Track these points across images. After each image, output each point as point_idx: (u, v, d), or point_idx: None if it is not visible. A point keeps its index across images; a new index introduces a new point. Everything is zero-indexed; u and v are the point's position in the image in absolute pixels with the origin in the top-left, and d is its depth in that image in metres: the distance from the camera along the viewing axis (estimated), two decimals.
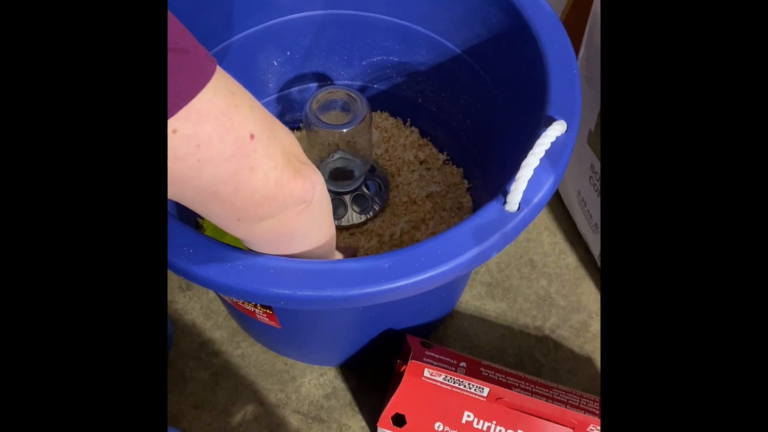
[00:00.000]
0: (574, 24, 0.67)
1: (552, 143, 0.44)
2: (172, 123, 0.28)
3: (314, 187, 0.38)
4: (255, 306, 0.53)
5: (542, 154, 0.43)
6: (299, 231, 0.41)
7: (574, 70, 0.49)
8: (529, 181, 0.42)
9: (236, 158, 0.32)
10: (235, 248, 0.42)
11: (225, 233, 0.41)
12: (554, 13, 0.53)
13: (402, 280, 0.40)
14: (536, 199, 0.43)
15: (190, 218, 0.66)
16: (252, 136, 0.32)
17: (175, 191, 0.33)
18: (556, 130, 0.44)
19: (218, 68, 0.31)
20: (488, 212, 0.43)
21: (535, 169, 0.42)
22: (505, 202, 0.43)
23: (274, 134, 0.35)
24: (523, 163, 0.42)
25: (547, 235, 0.78)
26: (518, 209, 0.43)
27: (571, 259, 0.76)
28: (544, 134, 0.43)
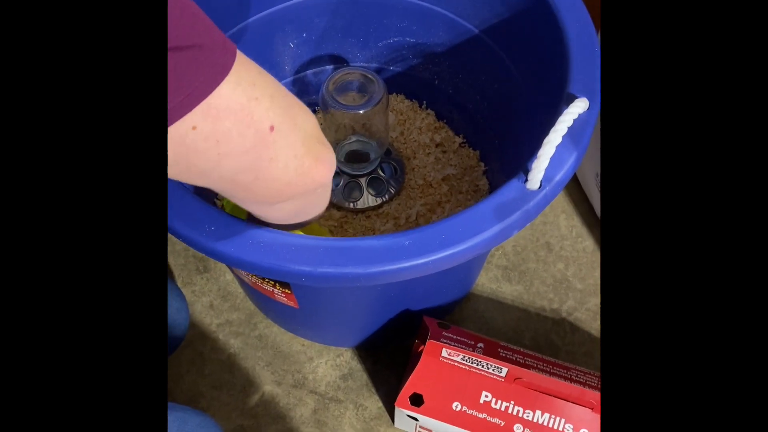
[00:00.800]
0: (592, 1, 0.66)
1: (574, 120, 0.43)
2: (191, 119, 0.29)
3: (331, 169, 0.38)
4: (274, 285, 0.53)
5: (564, 131, 0.42)
6: (313, 206, 0.43)
7: (595, 48, 0.49)
8: (551, 159, 0.42)
9: (256, 150, 0.33)
10: (256, 226, 0.42)
11: (243, 209, 0.42)
12: None
13: (423, 258, 0.40)
14: (558, 177, 0.43)
15: (209, 197, 0.66)
16: (272, 128, 0.32)
17: (197, 180, 0.34)
18: (578, 107, 0.44)
19: (239, 58, 0.30)
20: (509, 190, 0.43)
21: (557, 147, 0.42)
22: (526, 180, 0.43)
23: (295, 121, 0.35)
24: (545, 140, 0.42)
25: (564, 218, 0.77)
26: (540, 187, 0.43)
27: (588, 242, 0.76)
28: (566, 111, 0.43)
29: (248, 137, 0.32)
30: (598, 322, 0.70)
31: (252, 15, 0.65)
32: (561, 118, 0.42)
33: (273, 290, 0.54)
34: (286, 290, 0.53)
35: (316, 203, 0.43)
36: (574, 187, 0.79)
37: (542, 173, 0.42)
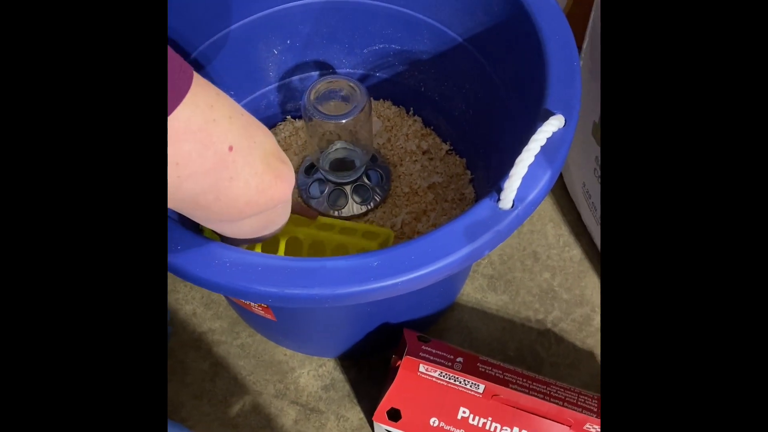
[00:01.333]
0: (578, 15, 0.66)
1: (548, 139, 0.43)
2: None
3: (290, 186, 0.39)
4: (256, 303, 0.52)
5: (537, 150, 0.41)
6: (274, 222, 0.44)
7: (574, 62, 0.48)
8: (524, 178, 0.41)
9: (216, 171, 0.33)
10: (223, 245, 0.42)
11: None
12: (556, 2, 0.51)
13: (391, 279, 0.40)
14: (531, 197, 0.42)
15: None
16: (231, 148, 0.33)
17: None
18: (552, 125, 0.43)
19: (195, 80, 0.31)
20: (481, 209, 0.42)
21: (529, 166, 0.41)
22: (498, 199, 0.42)
23: (254, 140, 0.35)
24: (517, 160, 0.41)
25: (551, 227, 0.77)
26: (512, 207, 0.42)
27: (575, 252, 0.75)
28: (539, 129, 0.42)
29: (208, 158, 0.32)
30: (584, 333, 0.70)
31: (234, 22, 0.65)
32: (534, 137, 0.42)
33: (250, 303, 0.54)
34: (262, 304, 0.53)
35: (277, 219, 0.44)
36: (563, 196, 0.78)
37: (514, 193, 0.41)
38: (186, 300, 0.72)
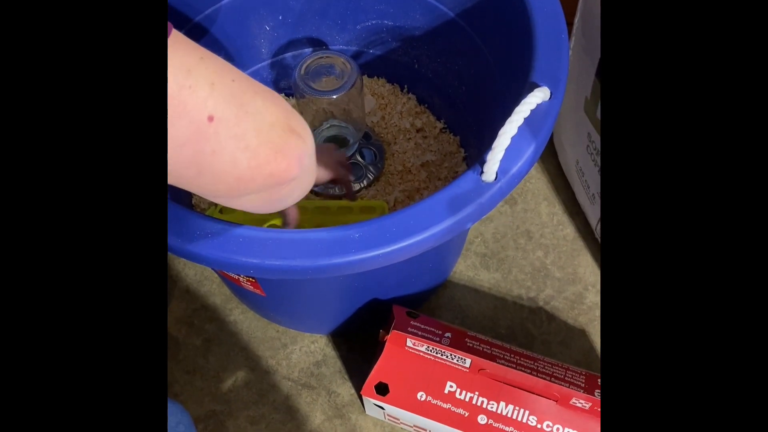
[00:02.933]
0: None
1: (533, 111, 0.42)
2: None
3: (300, 162, 0.35)
4: (237, 274, 0.52)
5: (521, 122, 0.41)
6: (286, 198, 0.40)
7: (562, 35, 0.48)
8: (508, 150, 0.41)
9: (192, 143, 0.31)
10: (207, 217, 0.42)
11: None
12: None
13: (372, 251, 0.40)
14: (514, 169, 0.42)
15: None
16: (211, 118, 0.30)
17: None
18: (536, 97, 0.42)
19: (175, 42, 0.29)
20: (464, 182, 0.42)
21: (513, 138, 0.41)
22: (482, 172, 0.42)
23: (246, 110, 0.32)
24: (501, 131, 0.41)
25: (545, 205, 0.76)
26: (495, 179, 0.42)
27: (569, 230, 0.74)
28: (523, 101, 0.42)
29: (181, 128, 0.30)
30: (576, 311, 0.70)
31: None
32: (517, 109, 0.41)
33: (239, 278, 0.54)
34: (251, 279, 0.53)
35: (290, 195, 0.40)
36: (557, 174, 0.78)
37: (497, 165, 0.41)
38: (179, 277, 0.73)
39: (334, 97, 0.63)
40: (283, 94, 0.77)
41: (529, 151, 0.43)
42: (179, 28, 0.65)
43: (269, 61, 0.73)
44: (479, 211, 0.41)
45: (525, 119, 0.42)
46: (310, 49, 0.74)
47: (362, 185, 0.71)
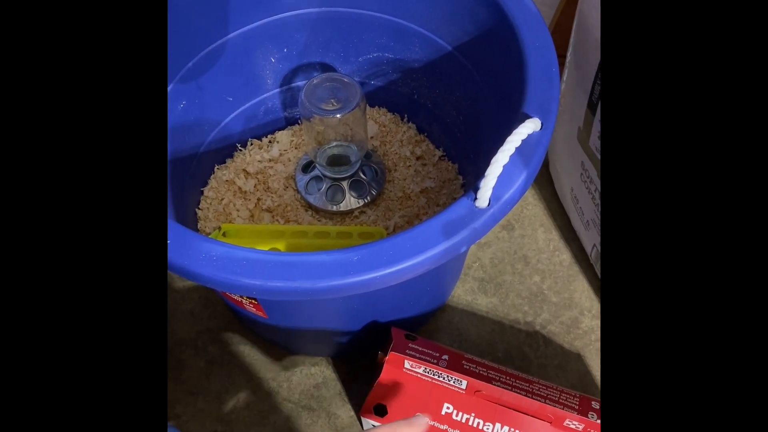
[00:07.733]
0: (565, 25, 0.67)
1: (524, 140, 0.44)
2: None
3: None
4: (241, 296, 0.54)
5: (512, 151, 0.43)
6: None
7: (553, 68, 0.50)
8: (500, 178, 0.43)
9: None
10: (212, 240, 0.43)
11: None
12: (537, 11, 0.53)
13: (370, 273, 0.41)
14: (506, 196, 0.44)
15: (189, 210, 0.68)
16: None
17: None
18: (527, 127, 0.45)
19: None
20: (458, 208, 0.44)
21: (505, 166, 0.43)
22: (475, 198, 0.44)
23: None
24: (493, 160, 0.43)
25: (542, 231, 0.78)
26: (488, 205, 0.44)
27: (565, 256, 0.76)
28: (515, 131, 0.44)
29: None
30: (572, 336, 0.71)
31: (231, 31, 0.67)
32: (509, 138, 0.43)
33: (241, 300, 0.56)
34: (253, 300, 0.55)
35: None
36: (553, 201, 0.80)
37: (490, 191, 0.43)
38: (184, 300, 0.74)
39: (339, 116, 0.65)
40: (289, 123, 0.80)
41: (521, 178, 0.45)
42: (187, 60, 0.68)
43: (275, 91, 0.76)
44: (473, 235, 0.43)
45: (516, 148, 0.44)
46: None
47: (366, 201, 0.73)
